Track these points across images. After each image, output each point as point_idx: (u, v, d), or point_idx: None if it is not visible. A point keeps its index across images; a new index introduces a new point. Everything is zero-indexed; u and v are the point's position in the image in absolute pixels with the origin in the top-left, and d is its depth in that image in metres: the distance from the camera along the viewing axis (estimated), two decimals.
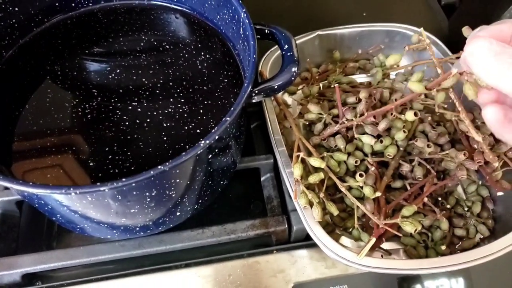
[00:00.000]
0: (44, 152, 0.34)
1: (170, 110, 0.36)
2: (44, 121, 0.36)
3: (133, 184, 0.25)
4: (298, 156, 0.37)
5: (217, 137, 0.27)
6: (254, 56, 0.31)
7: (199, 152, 0.27)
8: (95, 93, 0.37)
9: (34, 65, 0.39)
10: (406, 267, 0.35)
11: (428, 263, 0.35)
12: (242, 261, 0.38)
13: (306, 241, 0.39)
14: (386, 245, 0.39)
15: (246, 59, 0.34)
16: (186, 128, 0.35)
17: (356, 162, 0.39)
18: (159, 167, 0.25)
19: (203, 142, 0.27)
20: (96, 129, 0.35)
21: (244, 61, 0.37)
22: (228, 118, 0.28)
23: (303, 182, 0.36)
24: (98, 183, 0.24)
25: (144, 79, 0.38)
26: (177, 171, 0.28)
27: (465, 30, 0.39)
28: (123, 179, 0.24)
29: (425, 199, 0.38)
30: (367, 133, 0.39)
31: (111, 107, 0.36)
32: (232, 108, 0.28)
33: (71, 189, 0.24)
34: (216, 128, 0.28)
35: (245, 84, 0.30)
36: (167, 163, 0.25)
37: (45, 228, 0.42)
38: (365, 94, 0.39)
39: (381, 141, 0.39)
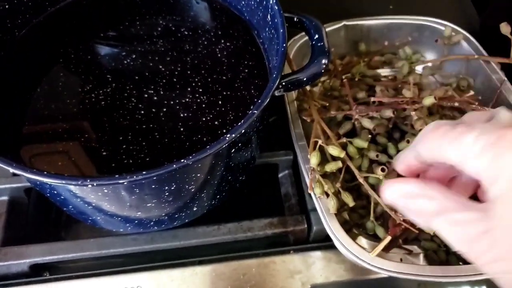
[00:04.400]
0: (55, 138, 0.33)
1: (187, 99, 0.35)
2: (56, 106, 0.34)
3: (154, 178, 0.23)
4: (316, 142, 0.35)
5: (243, 131, 0.26)
6: (284, 45, 0.29)
7: (224, 146, 0.25)
8: (110, 79, 0.36)
9: (46, 47, 0.37)
10: (426, 273, 0.33)
11: (449, 270, 0.33)
12: (258, 260, 0.37)
13: (325, 242, 0.38)
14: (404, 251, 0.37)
15: (273, 48, 0.32)
16: (203, 119, 0.33)
17: (377, 156, 0.37)
18: (182, 160, 0.23)
19: (228, 136, 0.25)
20: (110, 117, 0.33)
21: (269, 51, 0.35)
22: (255, 111, 0.26)
23: (319, 171, 0.34)
24: (117, 176, 0.23)
25: (160, 66, 0.37)
26: (199, 165, 0.27)
27: (503, 27, 0.37)
28: (144, 172, 0.23)
29: None
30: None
31: (126, 94, 0.35)
32: (259, 100, 0.27)
33: (88, 180, 0.22)
34: (242, 121, 0.26)
35: (274, 75, 0.28)
36: (191, 157, 0.24)
37: (53, 216, 0.41)
38: (381, 87, 0.38)
39: (408, 141, 0.37)
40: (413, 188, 0.24)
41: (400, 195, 0.25)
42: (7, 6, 0.33)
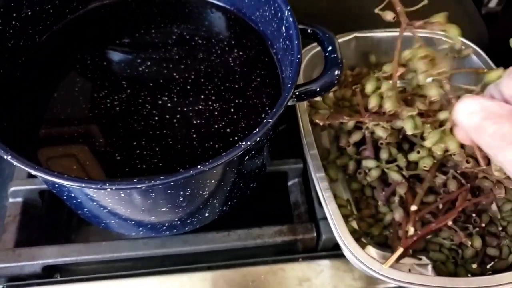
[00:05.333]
0: (70, 142, 0.33)
1: (200, 107, 0.35)
2: (72, 111, 0.35)
3: (171, 183, 0.24)
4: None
5: (258, 138, 0.26)
6: (299, 56, 0.30)
7: (239, 153, 0.25)
8: (125, 85, 0.37)
9: (65, 53, 0.38)
10: (435, 284, 0.33)
11: (458, 282, 0.33)
12: (267, 267, 0.37)
13: (333, 251, 0.38)
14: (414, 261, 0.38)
15: (287, 59, 0.33)
16: (216, 126, 0.34)
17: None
18: (199, 166, 0.24)
19: (244, 143, 0.26)
20: (125, 122, 0.34)
21: (282, 61, 0.35)
22: (270, 120, 0.27)
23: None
24: (135, 180, 0.23)
25: (174, 74, 0.37)
26: (214, 171, 0.27)
27: None
28: (161, 177, 0.23)
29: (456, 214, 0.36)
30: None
31: (140, 101, 0.36)
32: (275, 109, 0.27)
33: (107, 184, 0.23)
34: (257, 129, 0.26)
35: (289, 85, 0.28)
36: (207, 163, 0.24)
37: (64, 219, 0.42)
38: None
39: (418, 152, 0.37)
40: (497, 108, 0.22)
41: (479, 111, 0.22)
42: (29, 13, 0.34)
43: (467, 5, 0.57)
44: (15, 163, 0.24)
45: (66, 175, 0.24)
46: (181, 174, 0.24)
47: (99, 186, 0.23)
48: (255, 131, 0.26)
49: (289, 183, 0.42)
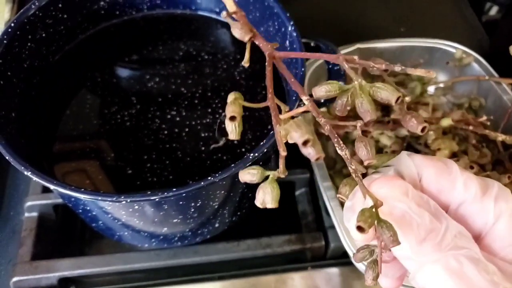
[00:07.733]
0: (83, 157, 0.35)
1: (208, 120, 0.36)
2: (84, 127, 0.36)
3: (183, 195, 0.25)
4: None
5: (265, 150, 0.27)
6: (303, 69, 0.31)
7: (247, 164, 0.26)
8: (134, 101, 0.38)
9: (76, 71, 0.40)
10: None
11: None
12: (277, 276, 0.37)
13: (342, 259, 0.38)
14: None
15: (291, 72, 0.34)
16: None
17: None
18: (210, 178, 0.25)
19: (252, 154, 0.26)
20: (135, 137, 0.35)
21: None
22: None
23: None
24: (149, 192, 0.24)
25: (182, 89, 0.39)
26: (224, 182, 0.28)
27: None
28: (174, 189, 0.24)
29: None
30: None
31: (150, 116, 0.37)
32: None
33: (122, 197, 0.24)
34: (264, 141, 0.27)
35: (293, 98, 0.29)
36: (217, 175, 0.25)
37: (78, 232, 0.43)
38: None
39: None
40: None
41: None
42: (43, 35, 0.36)
43: (467, 13, 0.59)
44: (34, 178, 0.25)
45: (83, 189, 0.25)
46: (193, 186, 0.25)
47: (114, 198, 0.24)
48: (262, 143, 0.27)
49: (297, 192, 0.43)
